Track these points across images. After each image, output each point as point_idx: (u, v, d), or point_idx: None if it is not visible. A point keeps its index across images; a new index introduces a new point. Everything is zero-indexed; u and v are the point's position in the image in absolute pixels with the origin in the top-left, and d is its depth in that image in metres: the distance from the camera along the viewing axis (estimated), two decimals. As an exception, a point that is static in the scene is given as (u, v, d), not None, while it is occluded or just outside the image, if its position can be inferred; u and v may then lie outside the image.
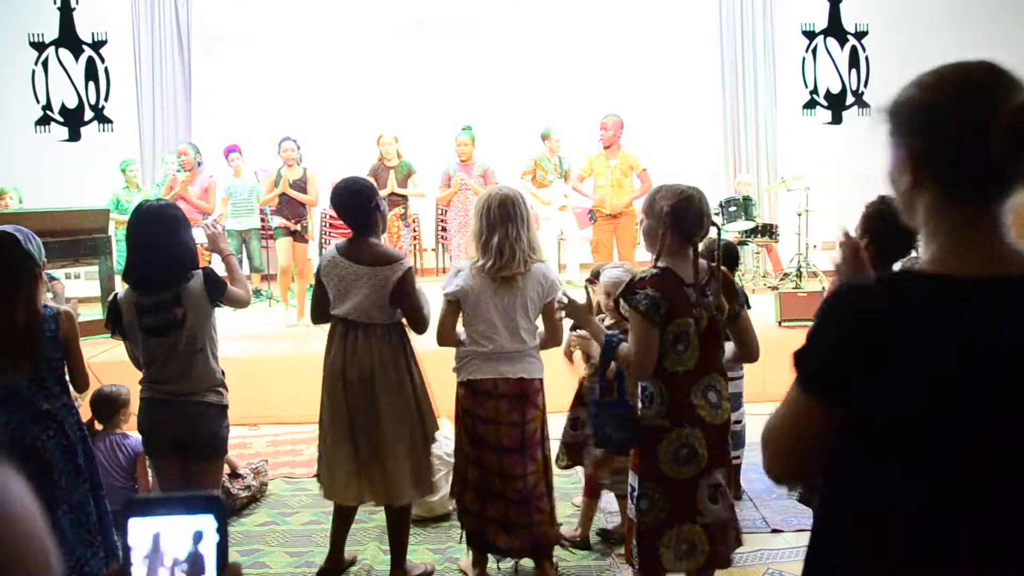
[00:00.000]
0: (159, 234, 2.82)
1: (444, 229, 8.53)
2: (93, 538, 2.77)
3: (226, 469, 3.99)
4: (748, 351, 2.61)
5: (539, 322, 3.08)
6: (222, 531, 0.78)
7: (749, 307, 2.72)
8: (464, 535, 3.17)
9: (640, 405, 2.54)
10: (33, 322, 2.69)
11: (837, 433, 1.17)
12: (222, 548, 0.78)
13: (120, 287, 6.52)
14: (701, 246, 2.51)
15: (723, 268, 2.54)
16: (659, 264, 2.45)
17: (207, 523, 0.78)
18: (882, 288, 1.14)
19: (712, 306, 2.44)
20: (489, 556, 3.20)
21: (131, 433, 3.79)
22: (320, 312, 3.23)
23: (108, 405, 3.63)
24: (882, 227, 2.54)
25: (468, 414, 3.02)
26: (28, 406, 2.71)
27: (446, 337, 3.07)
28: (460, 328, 3.09)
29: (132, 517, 0.78)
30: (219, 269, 3.08)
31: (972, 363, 1.07)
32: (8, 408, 2.70)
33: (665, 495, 2.46)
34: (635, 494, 2.51)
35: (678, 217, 2.42)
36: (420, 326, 3.13)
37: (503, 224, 2.92)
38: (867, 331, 1.11)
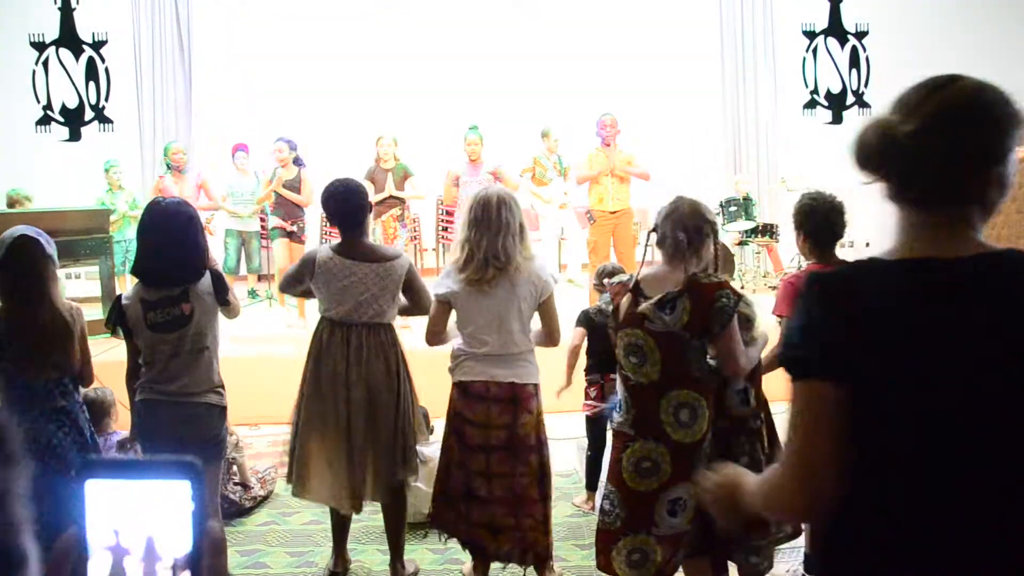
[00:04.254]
0: (171, 232, 2.82)
1: (445, 229, 8.52)
2: None
3: (237, 478, 4.01)
4: (725, 374, 2.50)
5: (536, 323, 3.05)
6: (198, 499, 0.70)
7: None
8: (440, 533, 3.13)
9: (616, 411, 2.58)
10: (60, 321, 2.76)
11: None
12: (198, 517, 0.70)
13: (119, 287, 6.56)
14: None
15: (714, 282, 2.44)
16: (636, 273, 2.56)
17: (180, 489, 0.69)
18: (848, 271, 1.25)
19: (673, 323, 2.39)
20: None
21: (117, 432, 3.82)
22: (292, 286, 3.36)
23: (99, 408, 3.64)
24: (810, 221, 2.97)
25: (458, 416, 2.98)
26: (44, 403, 2.74)
27: (436, 337, 3.05)
28: (451, 327, 3.06)
29: (90, 479, 0.68)
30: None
31: (938, 332, 1.14)
32: (24, 407, 2.72)
33: (623, 503, 2.49)
34: (604, 492, 2.59)
35: (661, 229, 2.52)
36: (428, 308, 3.19)
37: (470, 227, 2.90)
38: (843, 304, 1.18)
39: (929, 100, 1.18)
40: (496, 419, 2.91)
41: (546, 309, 2.98)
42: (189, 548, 0.69)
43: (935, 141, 1.16)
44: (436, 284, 3.03)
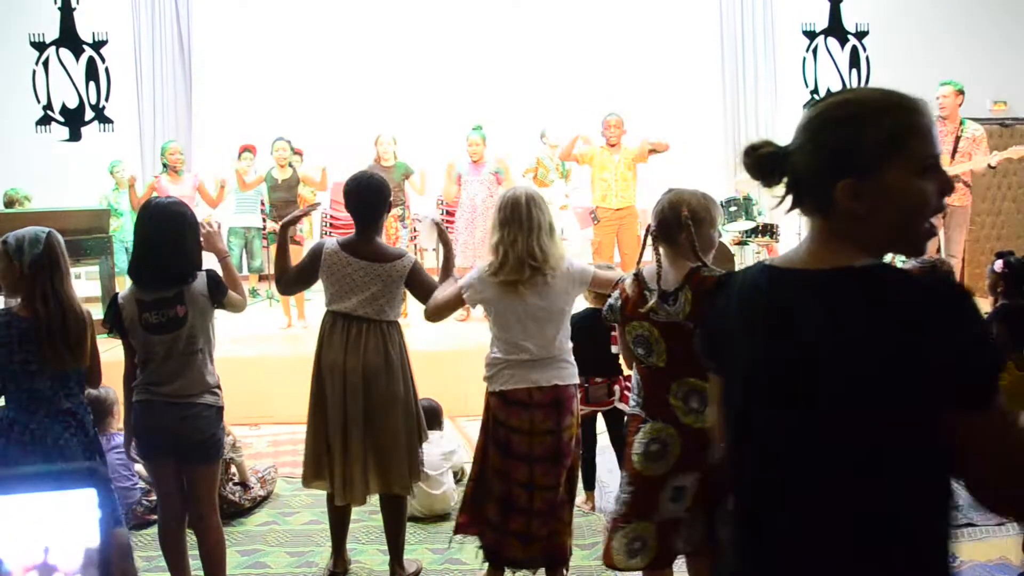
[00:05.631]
0: (164, 231, 2.82)
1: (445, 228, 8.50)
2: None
3: (236, 478, 4.01)
4: None
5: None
6: (105, 505, 0.69)
7: None
8: (480, 552, 3.04)
9: (632, 393, 2.66)
10: (81, 320, 2.78)
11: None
12: (105, 523, 0.69)
13: (119, 287, 6.55)
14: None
15: (716, 275, 2.41)
16: (639, 266, 2.59)
17: (87, 497, 0.68)
18: (736, 274, 1.39)
19: (676, 313, 2.44)
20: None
21: (116, 433, 3.83)
22: (292, 284, 3.34)
23: (101, 407, 3.64)
24: None
25: (500, 424, 2.92)
26: (50, 405, 2.73)
27: (437, 316, 3.03)
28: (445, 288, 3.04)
29: None
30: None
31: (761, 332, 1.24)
32: (30, 409, 2.72)
33: (632, 486, 2.52)
34: (621, 479, 2.63)
35: (655, 220, 2.53)
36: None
37: (503, 227, 2.85)
38: (719, 308, 1.36)
39: (800, 120, 1.27)
40: (539, 425, 2.87)
41: (597, 281, 2.96)
42: (97, 554, 0.67)
43: (796, 156, 1.24)
44: (464, 281, 2.96)
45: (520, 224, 2.82)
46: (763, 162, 1.29)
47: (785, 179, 1.28)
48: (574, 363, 2.99)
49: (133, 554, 2.94)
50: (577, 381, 2.99)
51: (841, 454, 1.14)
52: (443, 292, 3.03)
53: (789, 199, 1.28)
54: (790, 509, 1.20)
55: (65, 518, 0.67)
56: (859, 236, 1.19)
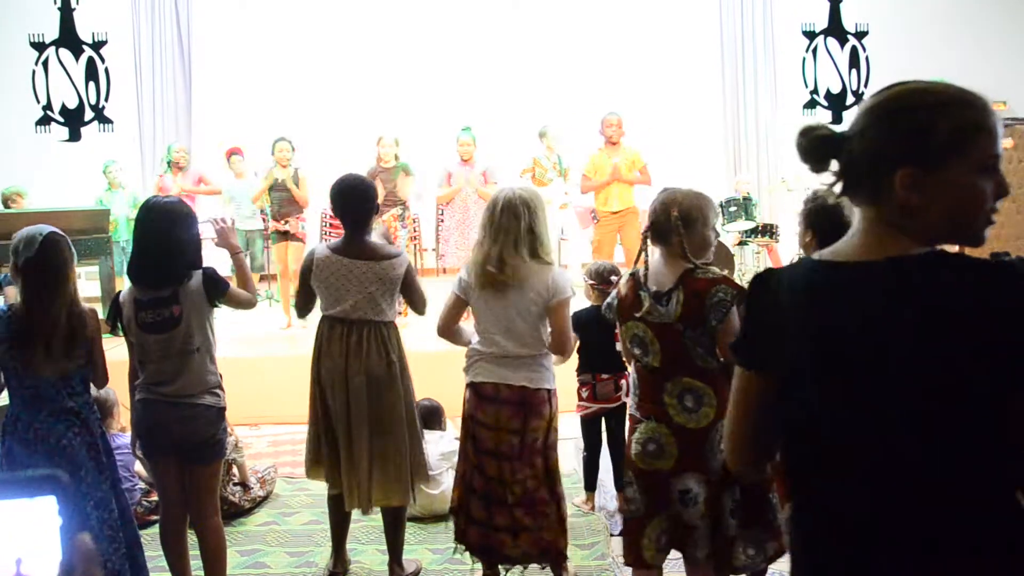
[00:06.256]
0: (160, 231, 2.81)
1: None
2: (115, 533, 2.78)
3: (236, 478, 4.01)
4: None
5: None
6: (65, 512, 0.68)
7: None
8: (464, 549, 3.03)
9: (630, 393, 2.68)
10: (83, 321, 2.75)
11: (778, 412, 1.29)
12: (67, 531, 0.67)
13: (119, 288, 6.56)
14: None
15: (709, 277, 2.43)
16: (636, 266, 2.58)
17: (47, 505, 0.67)
18: (780, 270, 1.34)
19: (669, 315, 2.44)
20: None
21: (117, 434, 3.83)
22: (306, 305, 3.30)
23: (102, 408, 3.64)
24: (820, 219, 2.84)
25: (471, 418, 2.94)
26: (53, 404, 2.73)
27: (445, 330, 3.02)
28: (469, 327, 3.03)
29: None
30: (225, 267, 3.07)
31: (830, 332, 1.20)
32: (34, 407, 2.72)
33: (640, 486, 2.54)
34: (625, 480, 2.63)
35: (651, 221, 2.52)
36: (423, 308, 3.26)
37: (489, 225, 2.85)
38: (764, 305, 1.30)
39: (864, 104, 1.23)
40: (506, 422, 2.85)
41: (553, 316, 2.86)
42: (60, 563, 0.66)
43: (855, 141, 1.21)
44: (456, 278, 3.00)
45: (495, 229, 2.83)
46: (817, 144, 1.25)
47: (836, 164, 1.24)
48: (550, 368, 2.94)
49: (99, 560, 2.91)
50: (552, 387, 2.92)
51: (915, 444, 1.12)
52: (443, 310, 3.01)
53: (839, 185, 1.25)
54: (865, 502, 1.18)
55: (37, 527, 0.67)
56: (912, 227, 1.17)
